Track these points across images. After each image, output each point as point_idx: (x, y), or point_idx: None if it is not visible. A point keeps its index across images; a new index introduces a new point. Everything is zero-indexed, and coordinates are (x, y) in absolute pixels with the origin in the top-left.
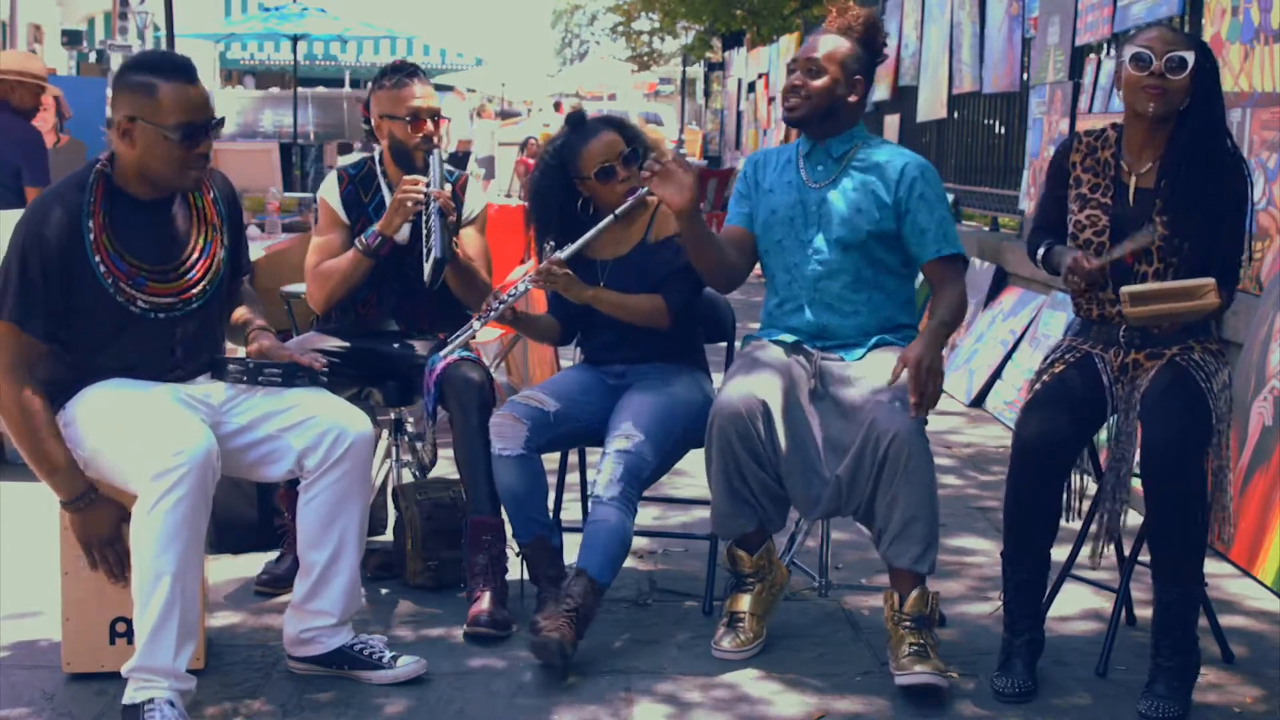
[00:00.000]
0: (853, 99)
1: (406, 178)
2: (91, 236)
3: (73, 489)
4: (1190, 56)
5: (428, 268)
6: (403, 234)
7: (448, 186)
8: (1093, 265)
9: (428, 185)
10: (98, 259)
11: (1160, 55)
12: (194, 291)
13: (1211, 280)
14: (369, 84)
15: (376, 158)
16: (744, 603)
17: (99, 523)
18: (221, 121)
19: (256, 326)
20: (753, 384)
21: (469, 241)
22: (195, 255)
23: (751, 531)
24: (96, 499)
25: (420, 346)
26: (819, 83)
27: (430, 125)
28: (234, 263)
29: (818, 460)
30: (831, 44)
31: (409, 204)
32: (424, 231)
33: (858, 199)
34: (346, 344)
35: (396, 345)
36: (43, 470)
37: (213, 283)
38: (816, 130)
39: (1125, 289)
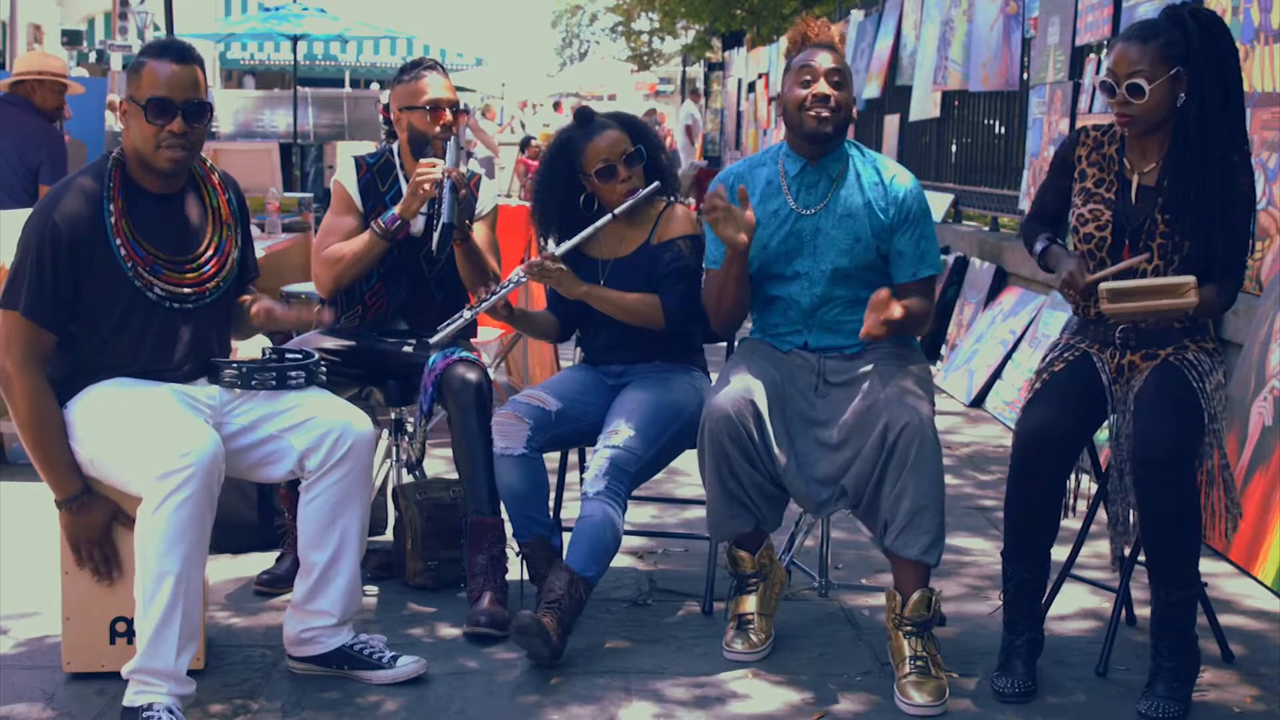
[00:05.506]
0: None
1: (422, 160)
2: (112, 220)
3: (68, 488)
4: (1145, 84)
5: (436, 236)
6: (417, 225)
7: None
8: (1088, 280)
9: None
10: (118, 241)
11: (1121, 81)
12: (209, 285)
13: (1192, 279)
14: (378, 84)
15: (394, 150)
16: (750, 603)
17: (90, 524)
18: (204, 106)
19: (256, 297)
20: (743, 385)
21: (480, 237)
22: (210, 250)
23: (749, 532)
24: (90, 500)
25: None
26: (843, 94)
27: (449, 115)
28: (244, 263)
29: (816, 456)
30: (835, 57)
31: (426, 185)
32: (437, 211)
33: (855, 227)
34: (347, 344)
35: (411, 344)
36: (42, 465)
37: (226, 279)
38: (826, 146)
39: (1104, 285)
